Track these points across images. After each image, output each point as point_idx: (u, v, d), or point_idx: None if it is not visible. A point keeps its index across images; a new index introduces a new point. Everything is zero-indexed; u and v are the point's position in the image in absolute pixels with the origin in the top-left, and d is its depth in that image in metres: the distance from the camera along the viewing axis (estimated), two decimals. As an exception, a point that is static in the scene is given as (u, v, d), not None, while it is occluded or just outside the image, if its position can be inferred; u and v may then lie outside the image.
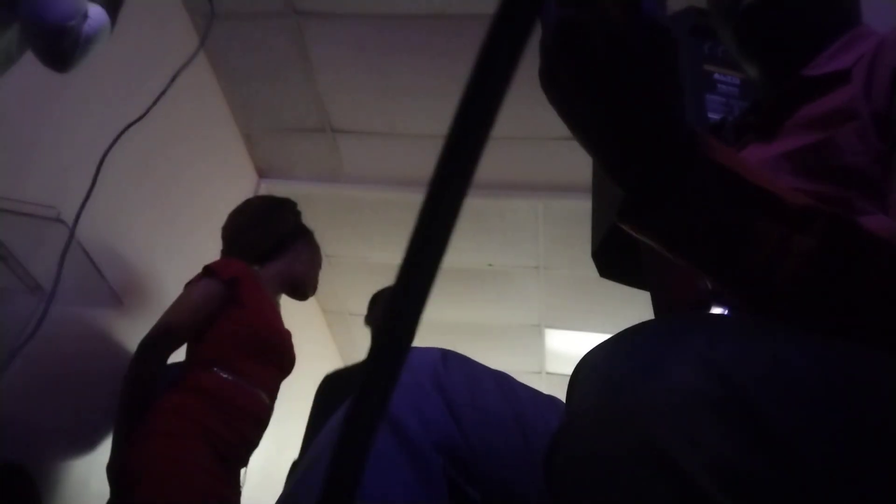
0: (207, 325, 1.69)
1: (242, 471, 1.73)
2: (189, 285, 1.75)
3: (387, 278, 3.37)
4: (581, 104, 0.44)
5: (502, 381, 0.67)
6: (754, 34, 0.71)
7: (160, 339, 1.63)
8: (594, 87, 0.42)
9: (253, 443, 1.70)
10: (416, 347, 0.63)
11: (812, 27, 0.69)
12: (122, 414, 1.59)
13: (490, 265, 3.36)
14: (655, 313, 0.71)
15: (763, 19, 0.69)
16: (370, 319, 2.57)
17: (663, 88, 0.43)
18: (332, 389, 2.24)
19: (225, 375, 1.63)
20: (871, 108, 0.57)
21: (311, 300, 3.76)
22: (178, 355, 1.79)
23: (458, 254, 3.21)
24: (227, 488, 1.60)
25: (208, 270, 1.75)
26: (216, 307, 1.69)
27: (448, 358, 0.66)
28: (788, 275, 0.42)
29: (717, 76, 1.13)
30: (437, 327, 3.60)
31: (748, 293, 0.45)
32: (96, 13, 1.17)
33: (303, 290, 1.94)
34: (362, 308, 4.00)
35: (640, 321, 0.42)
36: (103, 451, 2.05)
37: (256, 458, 1.81)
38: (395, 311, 0.21)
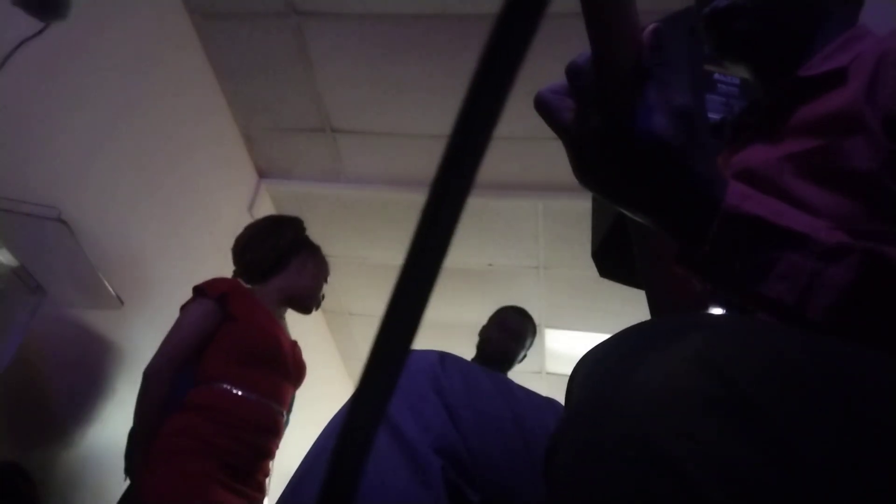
0: (206, 343, 1.71)
1: (266, 480, 1.74)
2: (183, 308, 1.78)
3: (387, 278, 3.37)
4: (618, 193, 0.48)
5: (500, 384, 0.67)
6: (722, 37, 0.72)
7: (163, 366, 1.68)
8: (630, 180, 0.46)
9: (267, 451, 1.71)
10: (414, 350, 0.63)
11: (779, 27, 0.70)
12: (140, 441, 1.61)
13: (490, 265, 3.36)
14: (652, 315, 0.71)
15: (725, 22, 0.71)
16: None
17: (694, 166, 0.46)
18: None
19: (227, 388, 1.66)
20: (876, 110, 0.57)
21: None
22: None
23: (458, 254, 3.21)
24: (243, 500, 1.61)
25: (198, 290, 1.79)
26: (212, 325, 1.73)
27: (446, 360, 0.66)
28: (823, 305, 0.44)
29: (717, 76, 1.13)
30: (438, 327, 3.60)
31: (784, 321, 0.47)
32: None
33: (303, 303, 1.95)
34: (362, 308, 4.01)
35: (640, 321, 0.42)
36: (103, 452, 2.05)
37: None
38: (395, 312, 0.21)
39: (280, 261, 1.92)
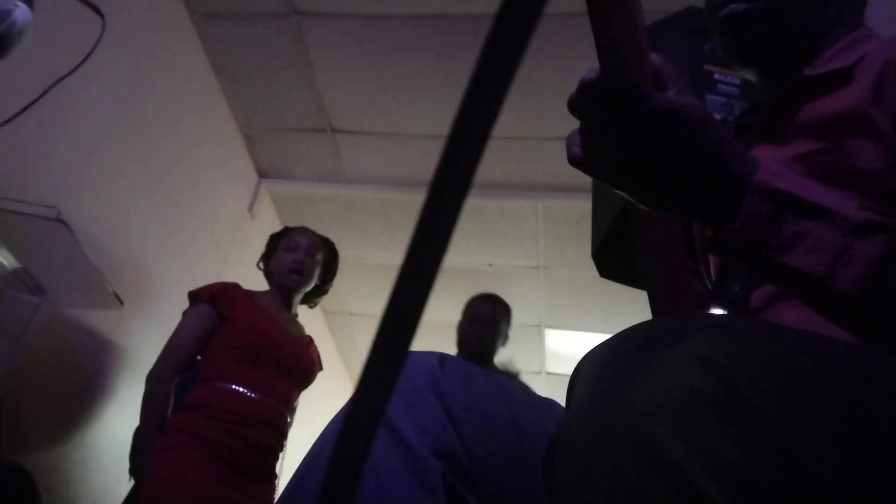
0: (205, 346, 1.76)
1: (275, 480, 1.76)
2: (184, 313, 1.81)
3: (387, 278, 3.37)
4: (656, 181, 0.48)
5: (499, 386, 0.67)
6: (737, 41, 0.71)
7: (160, 369, 1.71)
8: (669, 162, 0.47)
9: (268, 448, 1.71)
10: (413, 352, 0.63)
11: (795, 31, 0.69)
12: (144, 443, 1.64)
13: (490, 265, 3.36)
14: (653, 314, 0.71)
15: (741, 27, 0.70)
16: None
17: (728, 142, 0.47)
18: None
19: (220, 385, 1.68)
20: (885, 111, 0.57)
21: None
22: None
23: (458, 254, 3.20)
24: (244, 496, 1.61)
25: (191, 296, 1.83)
26: (209, 327, 1.77)
27: (445, 363, 0.66)
28: (851, 277, 0.45)
29: (717, 76, 1.13)
30: (438, 327, 3.59)
31: (812, 293, 0.47)
32: (22, 7, 1.18)
33: (282, 286, 1.93)
34: (362, 308, 4.01)
35: (640, 321, 0.42)
36: (103, 451, 2.05)
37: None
38: (394, 313, 0.21)
39: (267, 266, 2.00)
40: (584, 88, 0.46)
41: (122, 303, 1.78)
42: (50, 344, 1.81)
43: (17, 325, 1.57)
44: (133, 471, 1.75)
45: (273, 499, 1.73)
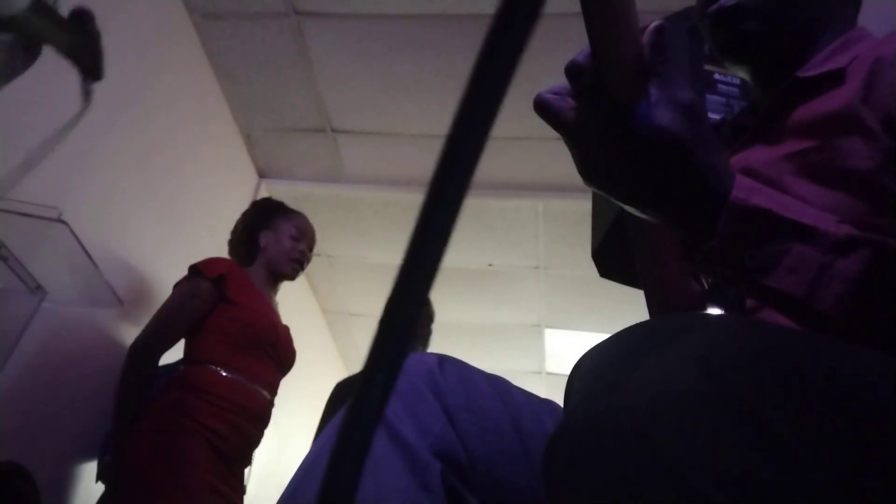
0: (200, 323, 1.70)
1: (246, 470, 1.73)
2: (177, 286, 1.77)
3: (387, 278, 3.37)
4: (624, 191, 0.49)
5: (498, 386, 0.67)
6: (728, 37, 0.71)
7: (150, 341, 1.66)
8: (636, 177, 0.47)
9: (254, 440, 1.70)
10: (413, 353, 0.63)
11: (787, 28, 0.69)
12: (117, 415, 1.59)
13: (490, 265, 3.36)
14: (650, 314, 0.71)
15: (732, 22, 0.69)
16: None
17: (700, 160, 0.46)
18: (344, 397, 2.24)
19: (222, 372, 1.64)
20: (874, 109, 0.57)
21: (311, 300, 3.78)
22: (177, 353, 1.79)
23: (458, 254, 3.20)
24: (228, 486, 1.59)
25: (195, 270, 1.77)
26: (206, 305, 1.72)
27: (444, 363, 0.66)
28: (832, 297, 0.44)
29: (717, 76, 1.13)
30: (438, 327, 3.59)
31: (793, 314, 0.47)
32: None
33: (279, 270, 1.91)
34: (362, 308, 4.01)
35: (639, 321, 0.42)
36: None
37: (258, 456, 1.81)
38: (394, 312, 0.21)
39: (251, 244, 1.95)
40: (574, 72, 0.45)
41: (122, 303, 1.77)
42: (50, 344, 1.81)
43: (17, 325, 1.57)
44: (101, 473, 1.64)
45: (244, 487, 1.70)
